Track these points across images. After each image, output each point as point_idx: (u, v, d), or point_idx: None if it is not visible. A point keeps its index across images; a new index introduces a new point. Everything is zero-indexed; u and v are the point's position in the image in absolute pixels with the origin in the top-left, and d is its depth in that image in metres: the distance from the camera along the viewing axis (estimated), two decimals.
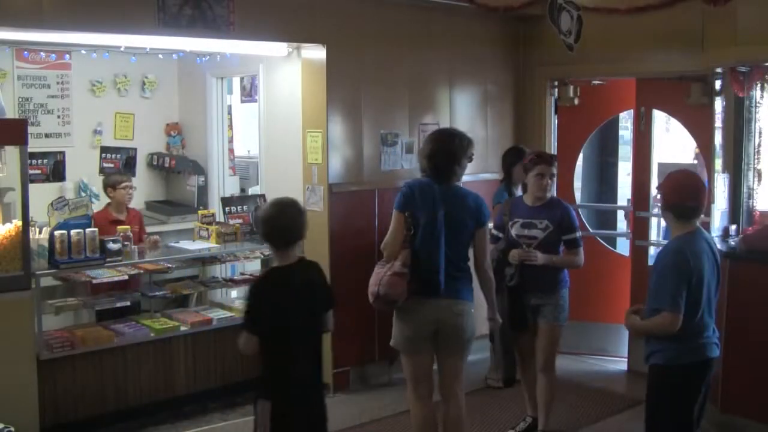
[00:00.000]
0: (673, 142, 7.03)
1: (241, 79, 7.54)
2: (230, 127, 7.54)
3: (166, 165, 7.41)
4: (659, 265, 3.75)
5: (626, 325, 3.93)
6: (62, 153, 6.65)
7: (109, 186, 6.06)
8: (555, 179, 4.91)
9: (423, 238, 4.16)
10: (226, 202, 6.44)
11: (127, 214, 6.08)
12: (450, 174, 4.25)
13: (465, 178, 4.61)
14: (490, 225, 4.80)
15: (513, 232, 4.83)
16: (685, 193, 3.73)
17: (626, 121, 7.50)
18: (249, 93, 7.61)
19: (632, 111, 6.83)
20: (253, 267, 6.44)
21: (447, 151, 4.23)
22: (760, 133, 5.38)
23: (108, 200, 6.12)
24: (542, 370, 4.91)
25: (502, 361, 4.95)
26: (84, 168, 6.89)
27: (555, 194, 5.09)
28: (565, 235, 4.84)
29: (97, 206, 6.44)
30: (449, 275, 4.18)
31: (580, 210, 7.00)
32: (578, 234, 4.90)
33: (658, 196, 3.95)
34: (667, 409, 3.78)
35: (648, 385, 3.84)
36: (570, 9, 6.13)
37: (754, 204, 5.43)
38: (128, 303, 5.72)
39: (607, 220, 7.62)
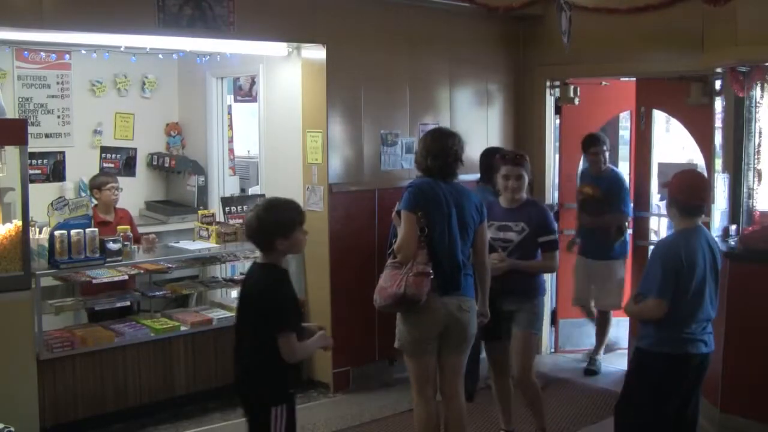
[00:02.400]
0: (673, 142, 7.02)
1: (236, 78, 7.54)
2: (230, 127, 7.54)
3: (166, 165, 7.41)
4: (654, 254, 4.03)
5: (624, 309, 4.18)
6: (62, 153, 6.68)
7: (95, 188, 6.02)
8: (524, 180, 4.70)
9: (440, 237, 4.17)
10: (226, 202, 6.44)
11: (114, 214, 6.06)
12: (455, 172, 4.30)
13: (464, 177, 4.62)
14: None
15: (489, 235, 4.61)
16: (692, 192, 3.92)
17: (626, 121, 7.49)
18: (248, 92, 7.61)
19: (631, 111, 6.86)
20: None
21: (452, 149, 4.27)
22: (760, 133, 5.37)
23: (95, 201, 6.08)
24: (519, 382, 4.76)
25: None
26: (84, 168, 6.89)
27: (531, 196, 4.96)
28: (541, 237, 4.68)
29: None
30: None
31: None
32: (555, 236, 4.75)
33: (661, 194, 4.08)
34: (638, 393, 3.98)
35: (628, 366, 4.09)
36: (566, 8, 6.14)
37: (754, 204, 5.42)
38: (128, 303, 5.72)
39: None
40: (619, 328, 6.76)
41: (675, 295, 3.81)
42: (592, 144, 6.40)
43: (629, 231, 6.56)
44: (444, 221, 4.18)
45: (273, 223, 3.44)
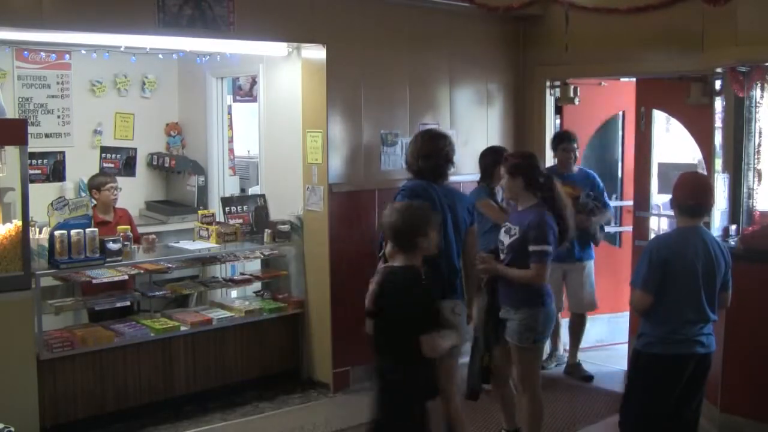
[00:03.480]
0: (673, 142, 7.02)
1: (236, 78, 7.53)
2: (230, 127, 7.54)
3: (166, 165, 7.41)
4: (645, 247, 4.16)
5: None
6: (62, 153, 6.67)
7: (93, 188, 6.03)
8: (518, 182, 4.49)
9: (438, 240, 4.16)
10: (226, 202, 6.45)
11: (114, 214, 6.07)
12: (446, 174, 4.28)
13: (465, 177, 4.60)
14: None
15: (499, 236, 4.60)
16: (688, 191, 4.01)
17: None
18: (248, 92, 7.61)
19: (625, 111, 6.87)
20: (253, 267, 6.45)
21: (444, 151, 4.25)
22: (760, 133, 5.37)
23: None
24: (517, 390, 4.68)
25: (467, 371, 4.62)
26: (84, 168, 6.89)
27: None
28: (531, 245, 4.35)
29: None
30: None
31: None
32: (541, 247, 4.33)
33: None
34: (636, 393, 4.06)
35: (627, 367, 4.17)
36: (565, 8, 6.17)
37: (754, 204, 5.42)
38: (128, 303, 5.72)
39: None
40: (615, 323, 6.84)
41: (664, 292, 3.89)
42: (562, 140, 6.29)
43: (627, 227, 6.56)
44: (442, 225, 4.15)
45: (416, 223, 3.62)
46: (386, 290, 3.61)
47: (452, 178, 6.22)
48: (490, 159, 5.55)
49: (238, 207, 6.35)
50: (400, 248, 3.64)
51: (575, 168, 6.31)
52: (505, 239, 4.58)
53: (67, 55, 6.98)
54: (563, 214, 4.43)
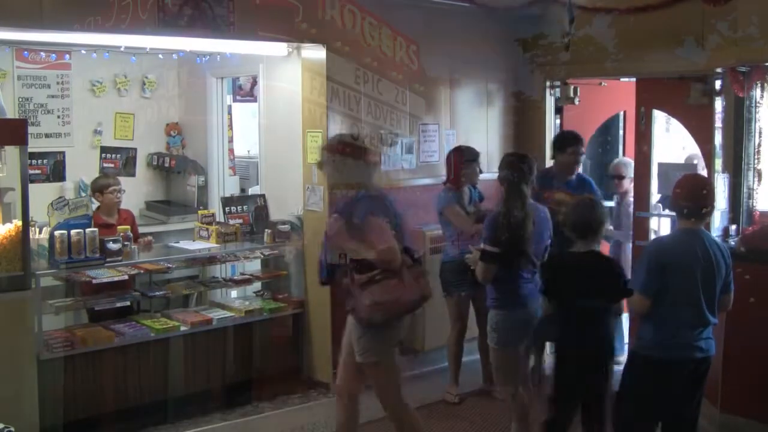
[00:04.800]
0: (673, 142, 7.02)
1: (236, 78, 7.53)
2: (230, 127, 7.54)
3: (166, 165, 7.41)
4: (643, 250, 4.22)
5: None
6: (62, 153, 6.68)
7: (97, 191, 6.00)
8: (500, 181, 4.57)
9: (406, 242, 4.23)
10: (226, 202, 6.45)
11: (117, 216, 6.05)
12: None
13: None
14: None
15: None
16: (682, 194, 4.00)
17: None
18: (249, 92, 7.61)
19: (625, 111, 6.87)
20: (253, 267, 6.45)
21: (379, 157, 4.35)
22: (760, 133, 5.38)
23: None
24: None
25: None
26: (84, 168, 6.90)
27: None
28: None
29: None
30: None
31: None
32: (483, 246, 4.45)
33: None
34: (631, 395, 4.05)
35: (624, 368, 4.18)
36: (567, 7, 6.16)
37: (754, 204, 5.43)
38: (128, 303, 5.72)
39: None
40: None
41: (663, 296, 3.86)
42: (572, 142, 5.80)
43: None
44: (401, 226, 4.23)
45: (604, 213, 4.24)
46: (584, 271, 4.12)
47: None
48: (458, 159, 5.55)
49: (238, 207, 6.36)
50: (587, 236, 4.13)
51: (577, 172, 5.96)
52: None
53: (67, 55, 6.98)
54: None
